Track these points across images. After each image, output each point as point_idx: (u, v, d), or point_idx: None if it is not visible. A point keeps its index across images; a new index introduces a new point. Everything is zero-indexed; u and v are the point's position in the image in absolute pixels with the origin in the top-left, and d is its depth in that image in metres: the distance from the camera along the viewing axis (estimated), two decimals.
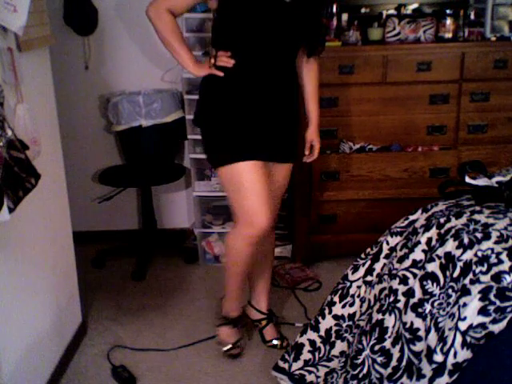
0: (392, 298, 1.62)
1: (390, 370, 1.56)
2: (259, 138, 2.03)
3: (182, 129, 3.03)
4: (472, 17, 2.97)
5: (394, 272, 1.66)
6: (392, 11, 3.04)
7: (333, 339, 1.89)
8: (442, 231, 1.59)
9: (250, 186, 1.98)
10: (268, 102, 2.01)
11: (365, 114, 2.86)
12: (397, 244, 1.78)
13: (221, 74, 1.98)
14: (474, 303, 1.34)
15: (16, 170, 1.54)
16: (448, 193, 1.88)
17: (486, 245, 1.44)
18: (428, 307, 1.50)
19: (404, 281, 1.61)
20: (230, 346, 2.26)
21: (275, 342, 2.32)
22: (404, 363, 1.52)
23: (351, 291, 1.87)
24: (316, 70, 2.16)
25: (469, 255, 1.45)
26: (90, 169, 3.32)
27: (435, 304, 1.48)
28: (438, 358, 1.35)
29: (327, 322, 1.90)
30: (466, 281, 1.40)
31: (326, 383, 1.89)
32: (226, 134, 2.03)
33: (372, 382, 1.62)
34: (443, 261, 1.51)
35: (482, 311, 1.32)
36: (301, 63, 2.12)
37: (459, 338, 1.32)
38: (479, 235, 1.48)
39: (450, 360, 1.33)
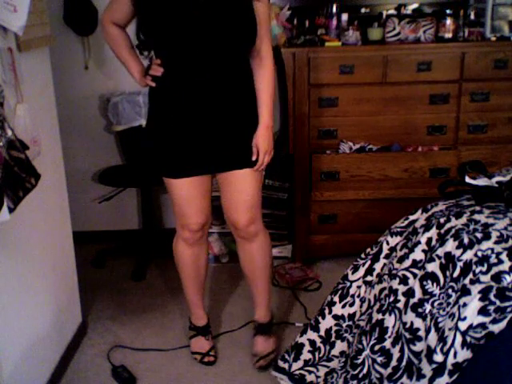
0: (392, 298, 1.62)
1: (390, 369, 1.56)
2: (193, 152, 1.96)
3: None
4: (472, 17, 2.96)
5: (394, 272, 1.66)
6: (392, 11, 3.04)
7: (333, 339, 1.89)
8: (442, 231, 1.59)
9: (180, 200, 2.05)
10: (202, 110, 1.91)
11: (365, 114, 2.85)
12: (397, 244, 1.78)
13: (152, 84, 1.94)
14: (473, 303, 1.34)
15: (16, 169, 1.54)
16: (448, 193, 1.88)
17: (485, 245, 1.44)
18: (428, 307, 1.50)
19: (404, 281, 1.61)
20: (201, 356, 2.25)
21: (257, 357, 2.21)
22: (404, 363, 1.52)
23: (351, 291, 1.87)
24: (267, 69, 1.97)
25: (469, 255, 1.45)
26: (90, 169, 3.32)
27: (435, 304, 1.48)
28: (438, 357, 1.35)
29: (327, 322, 1.90)
30: (466, 281, 1.40)
31: (325, 383, 1.89)
32: (159, 148, 2.00)
33: (372, 382, 1.62)
34: (443, 261, 1.51)
35: (482, 311, 1.32)
36: (253, 64, 1.97)
37: (459, 338, 1.32)
38: (479, 235, 1.48)
39: (450, 360, 1.33)
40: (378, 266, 1.82)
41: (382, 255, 1.82)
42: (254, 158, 2.00)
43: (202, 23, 1.81)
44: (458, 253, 1.48)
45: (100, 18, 1.96)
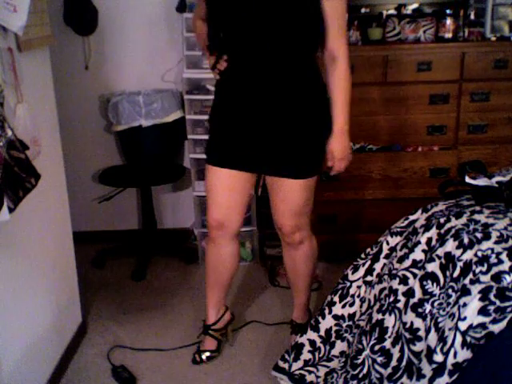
0: (392, 298, 1.62)
1: (390, 369, 1.56)
2: (243, 146, 1.94)
3: (182, 129, 3.02)
4: (472, 17, 2.97)
5: (394, 272, 1.66)
6: (392, 11, 3.04)
7: (333, 339, 1.89)
8: (442, 231, 1.59)
9: (211, 190, 2.03)
10: (259, 109, 1.89)
11: (365, 114, 2.85)
12: (397, 244, 1.78)
13: (217, 76, 1.99)
14: (474, 303, 1.34)
15: (16, 169, 1.54)
16: (448, 193, 1.88)
17: (485, 245, 1.44)
18: (428, 307, 1.50)
19: (404, 281, 1.61)
20: (207, 354, 2.26)
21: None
22: (404, 363, 1.52)
23: (351, 291, 1.87)
24: (340, 70, 1.86)
25: (469, 255, 1.45)
26: (90, 169, 3.32)
27: (435, 304, 1.48)
28: (438, 357, 1.35)
29: (327, 322, 1.90)
30: (466, 281, 1.40)
31: (325, 383, 1.89)
32: (212, 134, 2.05)
33: (372, 382, 1.62)
34: (443, 261, 1.51)
35: (482, 311, 1.32)
36: (326, 65, 1.89)
37: (459, 338, 1.32)
38: (479, 235, 1.48)
39: (450, 360, 1.33)
40: (377, 266, 1.82)
41: (382, 255, 1.82)
42: (329, 165, 1.94)
43: (257, 23, 1.80)
44: (458, 253, 1.48)
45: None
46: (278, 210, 2.05)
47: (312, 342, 1.93)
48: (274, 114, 1.88)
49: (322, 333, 1.91)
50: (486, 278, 1.37)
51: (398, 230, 1.81)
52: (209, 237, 2.15)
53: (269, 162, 1.94)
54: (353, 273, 1.88)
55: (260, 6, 1.79)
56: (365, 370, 1.64)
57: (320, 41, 1.87)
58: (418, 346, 1.50)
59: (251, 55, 1.86)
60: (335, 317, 1.89)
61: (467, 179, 1.78)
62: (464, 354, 1.32)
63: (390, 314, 1.61)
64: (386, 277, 1.72)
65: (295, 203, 2.01)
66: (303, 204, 2.03)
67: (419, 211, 1.81)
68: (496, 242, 1.44)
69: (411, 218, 1.81)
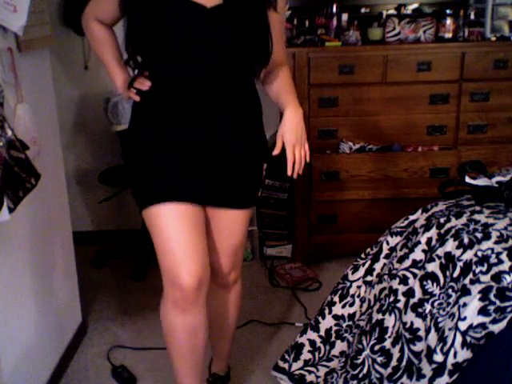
0: (392, 298, 1.62)
1: (389, 369, 1.56)
2: (183, 175, 1.57)
3: None
4: (472, 17, 2.97)
5: (394, 272, 1.66)
6: (392, 11, 3.05)
7: (333, 339, 1.89)
8: (442, 231, 1.59)
9: (166, 238, 1.55)
10: (198, 134, 1.55)
11: (365, 114, 2.86)
12: (397, 244, 1.78)
13: (136, 98, 1.62)
14: (474, 303, 1.34)
15: (16, 169, 1.54)
16: (448, 193, 1.88)
17: (485, 245, 1.44)
18: (428, 307, 1.50)
19: (404, 281, 1.61)
20: None
21: None
22: (404, 363, 1.53)
23: (351, 291, 1.87)
24: (286, 69, 1.65)
25: (469, 255, 1.45)
26: (90, 169, 3.32)
27: (435, 304, 1.48)
28: (438, 357, 1.36)
29: (327, 322, 1.90)
30: (466, 281, 1.40)
31: (325, 383, 1.89)
32: (143, 167, 1.61)
33: (372, 382, 1.62)
34: (443, 261, 1.51)
35: (482, 311, 1.32)
36: (266, 74, 1.64)
37: (459, 338, 1.32)
38: (479, 235, 1.48)
39: (450, 360, 1.33)
40: (377, 266, 1.82)
41: (382, 255, 1.82)
42: (275, 152, 1.52)
43: (207, 35, 1.48)
44: (458, 253, 1.48)
45: (83, 13, 1.68)
46: (220, 249, 1.72)
47: (312, 342, 1.93)
48: (217, 140, 1.56)
49: (322, 333, 1.91)
50: (485, 278, 1.37)
51: (398, 230, 1.82)
52: (175, 306, 1.59)
53: (214, 192, 1.61)
54: (353, 273, 1.88)
55: (218, 16, 1.49)
56: (365, 370, 1.64)
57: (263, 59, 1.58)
58: (418, 346, 1.50)
59: (191, 75, 1.52)
60: (335, 317, 1.89)
61: (467, 179, 1.79)
62: (464, 354, 1.32)
63: (390, 314, 1.61)
64: (386, 277, 1.72)
65: (239, 238, 1.73)
66: (243, 237, 1.75)
67: (419, 211, 1.81)
68: (496, 242, 1.44)
69: (411, 218, 1.81)
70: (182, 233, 1.54)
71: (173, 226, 1.55)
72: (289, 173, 1.52)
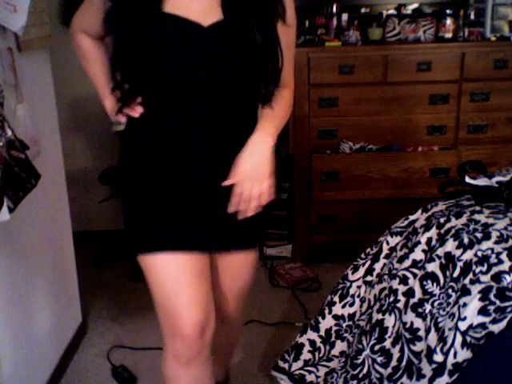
0: (392, 298, 1.62)
1: (389, 369, 1.56)
2: (186, 218, 1.41)
3: None
4: (472, 17, 2.97)
5: (394, 272, 1.66)
6: (392, 11, 3.05)
7: (333, 339, 1.89)
8: (442, 231, 1.59)
9: (166, 288, 1.42)
10: (198, 170, 1.38)
11: (365, 114, 2.86)
12: (397, 244, 1.78)
13: (122, 120, 1.44)
14: (473, 303, 1.34)
15: (16, 169, 1.54)
16: (448, 193, 1.88)
17: (485, 245, 1.44)
18: (428, 307, 1.50)
19: (404, 281, 1.61)
20: None
21: None
22: (404, 363, 1.52)
23: (351, 291, 1.87)
24: (286, 92, 1.45)
25: (469, 255, 1.45)
26: (90, 169, 3.32)
27: (435, 304, 1.48)
28: (438, 357, 1.35)
29: (327, 322, 1.90)
30: (466, 281, 1.40)
31: (325, 383, 1.89)
32: (138, 208, 1.44)
33: (372, 382, 1.62)
34: (443, 261, 1.51)
35: (482, 311, 1.32)
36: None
37: (459, 338, 1.32)
38: (479, 235, 1.48)
39: (450, 360, 1.33)
40: (377, 266, 1.82)
41: (382, 255, 1.82)
42: (224, 183, 1.33)
43: (204, 59, 1.31)
44: (458, 253, 1.48)
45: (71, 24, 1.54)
46: (229, 294, 1.61)
47: (312, 342, 1.93)
48: (219, 177, 1.36)
49: (322, 333, 1.91)
50: (485, 278, 1.37)
51: (398, 229, 1.81)
52: (176, 360, 1.45)
53: (220, 237, 1.46)
54: (353, 273, 1.88)
55: (221, 36, 1.33)
56: (365, 370, 1.64)
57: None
58: (418, 346, 1.50)
59: (190, 102, 1.35)
60: (335, 317, 1.89)
61: (467, 179, 1.78)
62: (464, 354, 1.32)
63: (390, 314, 1.61)
64: (385, 277, 1.72)
65: (247, 281, 1.62)
66: (252, 279, 1.65)
67: (419, 211, 1.81)
68: (496, 242, 1.44)
69: (411, 217, 1.81)
70: (183, 285, 1.40)
71: (174, 279, 1.41)
72: (230, 209, 1.34)
